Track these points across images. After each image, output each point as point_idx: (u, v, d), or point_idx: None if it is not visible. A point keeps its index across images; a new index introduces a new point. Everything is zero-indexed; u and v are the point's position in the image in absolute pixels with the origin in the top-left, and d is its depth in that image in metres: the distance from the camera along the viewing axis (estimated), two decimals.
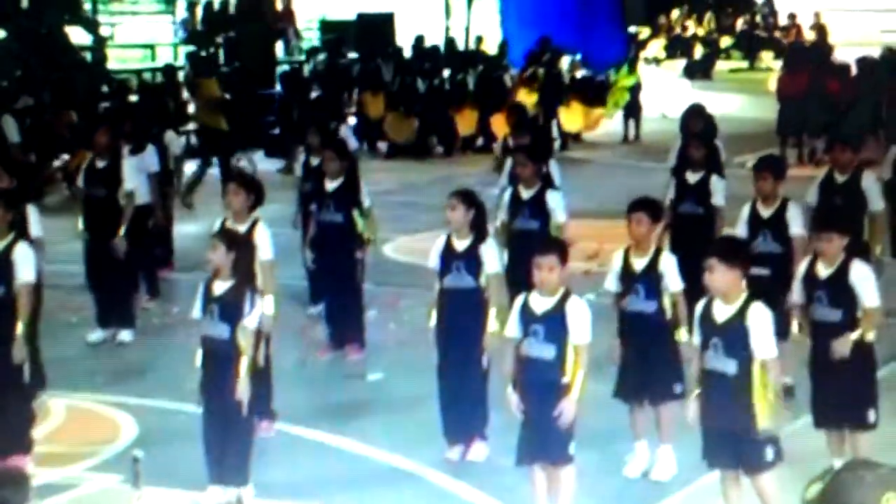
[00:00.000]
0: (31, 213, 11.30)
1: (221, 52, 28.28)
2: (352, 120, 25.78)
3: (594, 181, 22.34)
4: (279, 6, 32.00)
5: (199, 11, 31.93)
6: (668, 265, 9.65)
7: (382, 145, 26.63)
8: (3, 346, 9.76)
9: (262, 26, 27.91)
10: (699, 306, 8.37)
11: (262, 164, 23.86)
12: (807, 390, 9.66)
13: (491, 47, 30.48)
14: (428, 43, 29.22)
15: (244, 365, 9.06)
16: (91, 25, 25.81)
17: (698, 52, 39.54)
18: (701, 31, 40.91)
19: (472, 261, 9.92)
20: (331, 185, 12.80)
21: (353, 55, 29.05)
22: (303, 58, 30.37)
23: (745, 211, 11.27)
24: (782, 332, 8.90)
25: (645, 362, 9.60)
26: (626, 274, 9.67)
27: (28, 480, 5.83)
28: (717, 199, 12.76)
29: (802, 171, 19.81)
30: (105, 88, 24.05)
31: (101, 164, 13.37)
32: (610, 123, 28.52)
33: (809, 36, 35.40)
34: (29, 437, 10.00)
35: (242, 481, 9.23)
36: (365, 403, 11.60)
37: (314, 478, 9.91)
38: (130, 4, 34.95)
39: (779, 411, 8.34)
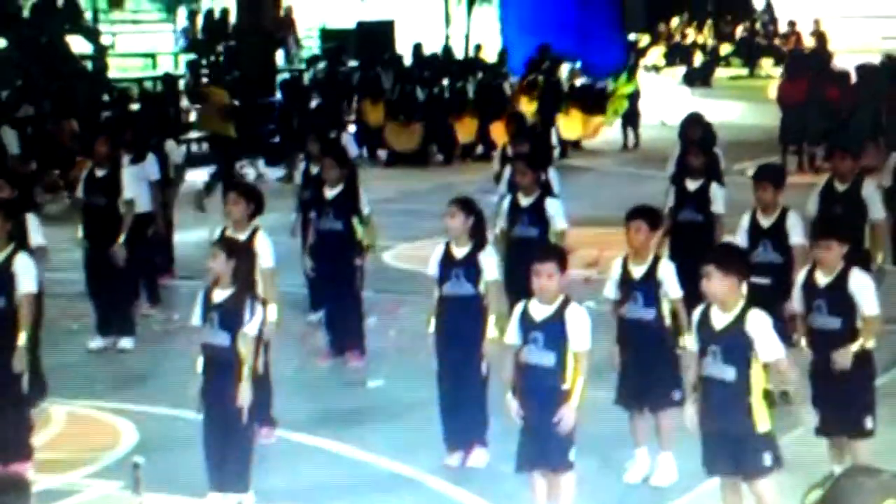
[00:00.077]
0: (32, 221, 11.33)
1: (222, 61, 28.31)
2: (352, 128, 25.82)
3: (594, 189, 22.37)
4: (280, 15, 32.04)
5: (200, 20, 31.98)
6: (667, 272, 9.67)
7: (382, 153, 26.66)
8: (3, 357, 9.78)
9: (263, 35, 27.94)
10: (696, 313, 8.38)
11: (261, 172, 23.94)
12: (806, 398, 9.65)
13: (490, 55, 30.52)
14: (427, 51, 29.27)
15: (245, 372, 9.09)
16: (92, 34, 25.83)
17: (698, 59, 39.58)
18: (701, 39, 40.95)
19: (470, 268, 9.94)
20: (330, 192, 12.83)
21: (353, 63, 29.09)
22: (303, 66, 30.40)
23: (745, 220, 11.26)
24: (783, 340, 8.89)
25: (643, 369, 9.62)
26: (625, 281, 9.69)
27: (29, 487, 5.83)
28: (717, 206, 12.76)
29: (803, 179, 19.82)
30: (106, 97, 24.09)
31: (100, 173, 13.40)
32: (609, 131, 28.55)
33: (809, 43, 35.43)
34: (29, 445, 10.02)
35: (243, 488, 9.25)
36: (365, 410, 11.61)
37: (314, 484, 9.92)
38: (131, 13, 35.05)
39: (801, 401, 8.32)
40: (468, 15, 34.05)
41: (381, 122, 26.56)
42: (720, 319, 8.22)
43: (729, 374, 8.13)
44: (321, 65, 28.45)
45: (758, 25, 42.97)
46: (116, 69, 28.51)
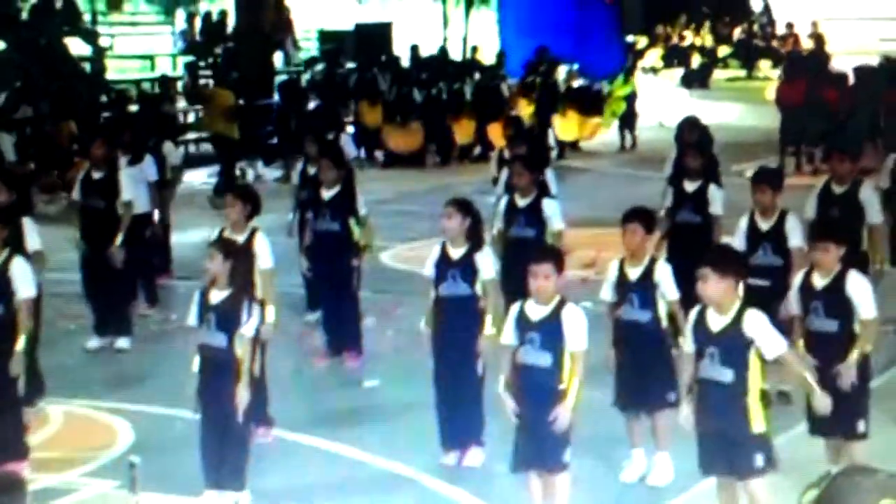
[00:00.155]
0: (28, 225, 11.28)
1: (220, 63, 28.32)
2: (349, 129, 25.84)
3: (591, 190, 22.39)
4: (278, 17, 32.02)
5: (198, 22, 31.97)
6: (664, 274, 9.68)
7: (379, 154, 26.68)
8: (1, 361, 9.79)
9: (261, 37, 27.95)
10: (692, 314, 8.37)
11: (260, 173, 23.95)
12: (802, 397, 9.65)
13: (487, 57, 30.53)
14: (423, 53, 29.29)
15: (243, 372, 9.09)
16: (90, 36, 25.85)
17: (696, 61, 39.57)
18: (699, 41, 40.95)
19: (467, 269, 9.94)
20: (327, 193, 12.84)
21: (350, 65, 29.11)
22: (301, 68, 30.41)
23: (743, 223, 11.24)
24: None
25: (640, 371, 9.62)
26: (621, 283, 9.70)
27: (25, 486, 5.85)
28: (716, 207, 12.75)
29: (801, 180, 19.83)
30: (104, 99, 24.10)
31: (97, 175, 13.40)
32: (607, 133, 28.56)
33: (807, 45, 35.41)
34: (25, 444, 10.03)
35: (239, 487, 9.25)
36: (362, 410, 11.62)
37: (311, 484, 9.92)
38: (130, 15, 35.04)
39: (811, 389, 8.36)
40: (466, 17, 34.05)
41: (379, 123, 26.60)
42: (717, 321, 8.21)
43: (726, 375, 8.13)
44: (319, 66, 28.44)
45: (756, 27, 42.97)
46: (115, 71, 28.52)
